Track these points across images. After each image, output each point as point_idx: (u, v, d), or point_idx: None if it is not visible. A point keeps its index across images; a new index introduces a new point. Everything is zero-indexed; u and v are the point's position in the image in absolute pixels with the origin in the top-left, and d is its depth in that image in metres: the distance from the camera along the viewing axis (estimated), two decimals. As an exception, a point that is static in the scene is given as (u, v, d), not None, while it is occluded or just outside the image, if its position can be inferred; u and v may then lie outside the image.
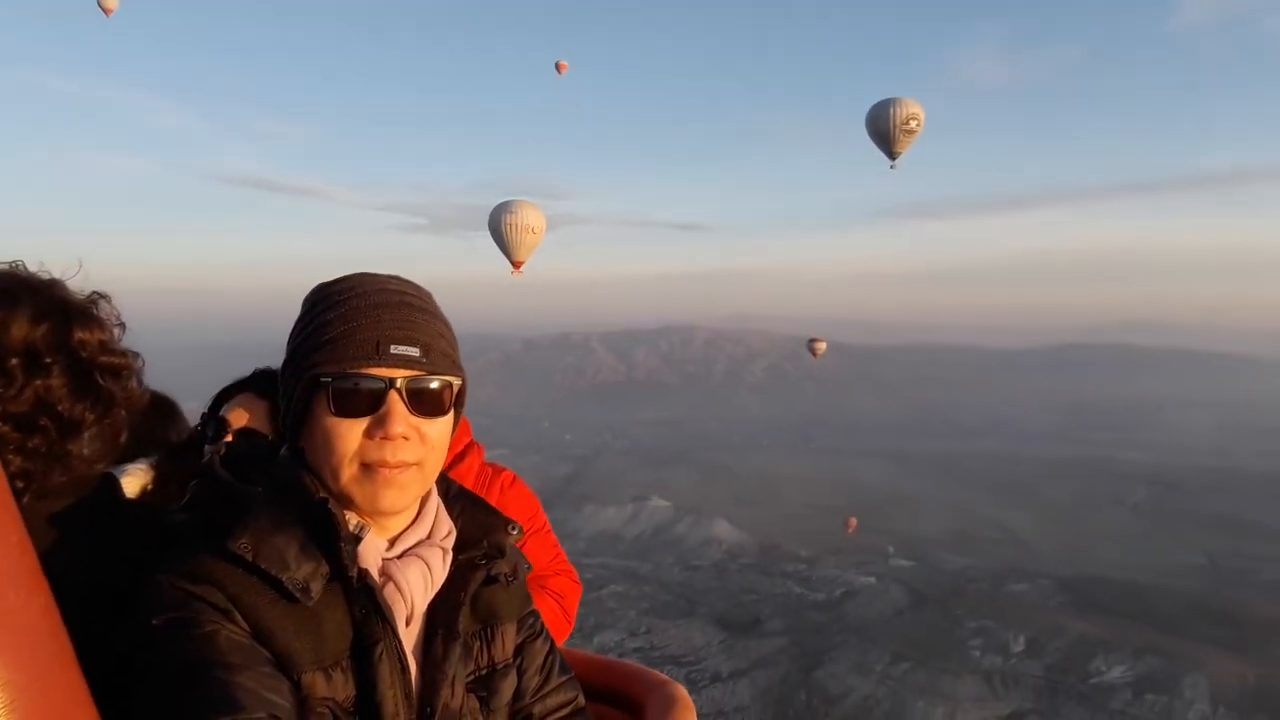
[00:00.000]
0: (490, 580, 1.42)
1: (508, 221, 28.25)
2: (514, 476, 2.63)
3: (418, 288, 1.36)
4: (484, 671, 1.42)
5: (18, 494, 1.29)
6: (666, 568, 71.32)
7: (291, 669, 1.18)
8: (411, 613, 1.30)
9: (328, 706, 1.20)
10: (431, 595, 1.34)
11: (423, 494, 1.36)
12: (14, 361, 1.30)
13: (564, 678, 1.57)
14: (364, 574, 1.26)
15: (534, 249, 29.07)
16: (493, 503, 2.52)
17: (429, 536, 1.36)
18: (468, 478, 2.52)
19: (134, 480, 2.52)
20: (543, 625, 1.58)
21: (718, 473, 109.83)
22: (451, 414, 1.33)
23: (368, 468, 1.24)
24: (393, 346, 1.23)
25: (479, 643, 1.42)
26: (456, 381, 1.32)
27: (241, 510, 1.24)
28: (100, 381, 1.39)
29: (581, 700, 1.58)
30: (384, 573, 1.29)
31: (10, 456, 1.29)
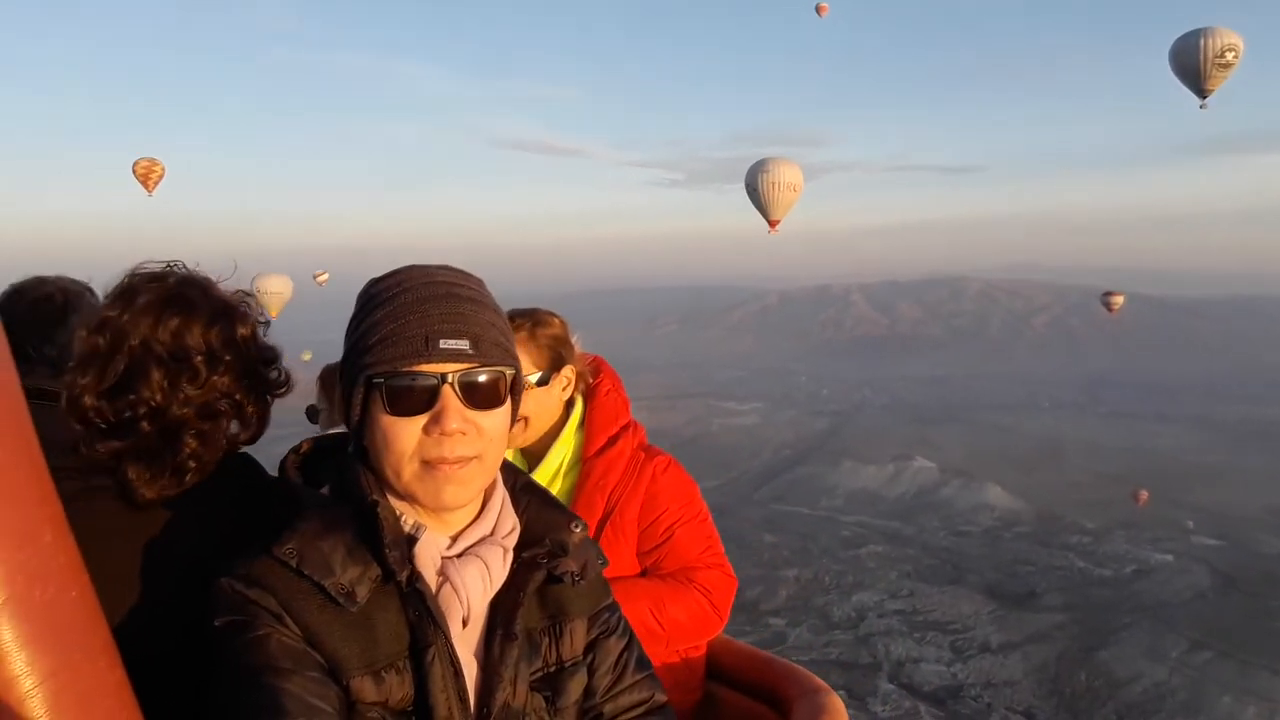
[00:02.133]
0: (555, 579, 1.39)
1: (764, 180, 27.96)
2: (669, 461, 2.49)
3: (467, 276, 1.33)
4: (552, 669, 1.39)
5: (185, 473, 1.47)
6: (931, 531, 68.40)
7: (340, 673, 1.20)
8: (469, 613, 1.28)
9: (378, 710, 1.21)
10: (491, 595, 1.32)
11: (485, 487, 1.34)
12: (198, 359, 1.50)
13: (639, 676, 1.50)
14: (415, 577, 1.25)
15: (791, 207, 28.59)
16: (642, 489, 2.40)
17: (492, 533, 1.35)
18: (619, 462, 2.41)
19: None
20: (621, 621, 1.53)
21: (990, 434, 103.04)
22: (509, 404, 1.31)
23: (427, 465, 1.23)
24: (442, 341, 1.22)
25: (547, 639, 1.39)
26: (510, 371, 1.30)
27: (296, 512, 1.28)
28: (260, 372, 1.59)
29: (660, 698, 1.52)
30: (443, 572, 1.29)
31: (189, 440, 1.47)
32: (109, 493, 1.44)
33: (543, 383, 2.35)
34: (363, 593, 1.21)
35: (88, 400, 1.44)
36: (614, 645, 1.49)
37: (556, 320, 2.43)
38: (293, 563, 1.20)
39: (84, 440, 1.45)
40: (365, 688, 1.20)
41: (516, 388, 1.34)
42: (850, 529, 68.71)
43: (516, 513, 1.41)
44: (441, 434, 1.21)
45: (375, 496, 1.27)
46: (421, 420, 1.22)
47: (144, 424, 1.46)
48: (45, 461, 1.02)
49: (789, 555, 62.15)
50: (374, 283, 1.31)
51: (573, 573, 1.41)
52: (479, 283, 1.36)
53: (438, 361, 1.21)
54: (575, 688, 1.41)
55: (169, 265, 1.58)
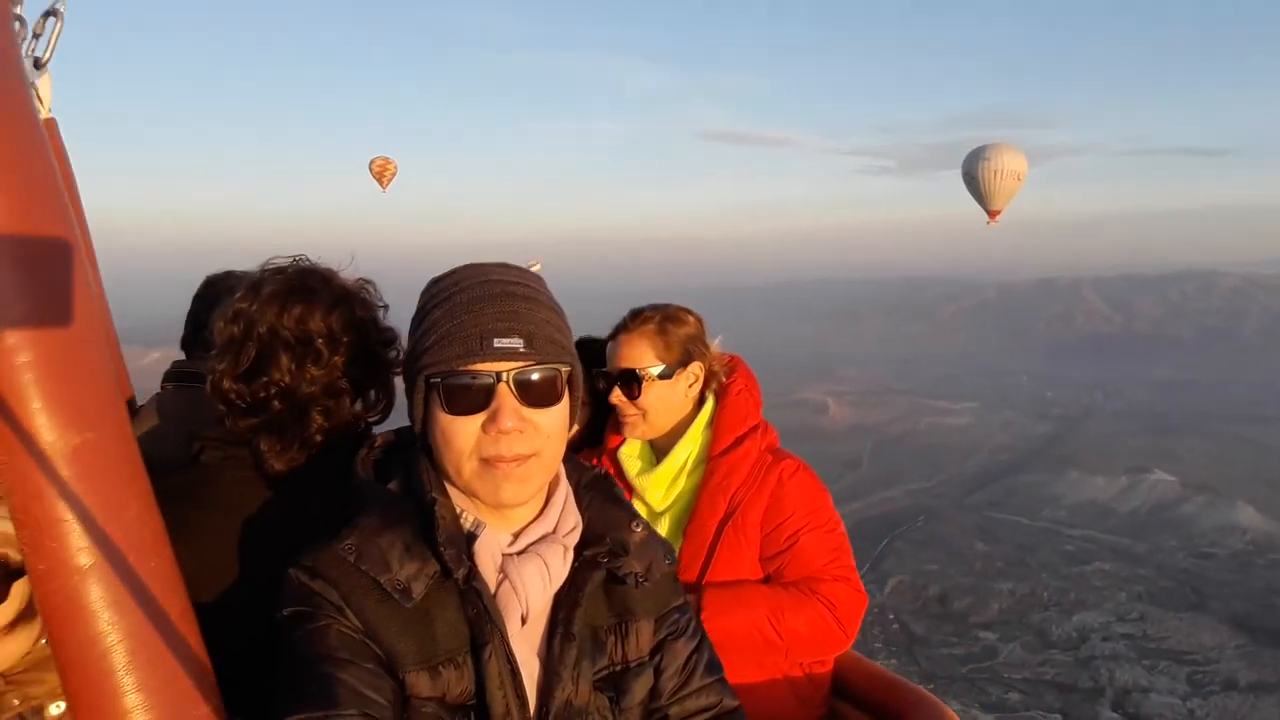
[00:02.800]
0: (618, 580, 1.38)
1: (984, 168, 26.35)
2: (798, 465, 2.36)
3: (524, 274, 1.33)
4: (617, 669, 1.37)
5: (311, 447, 1.60)
6: (1168, 551, 62.09)
7: (396, 667, 1.21)
8: (527, 611, 1.28)
9: (433, 705, 1.22)
10: (550, 593, 1.32)
11: (545, 484, 1.33)
12: (319, 342, 1.61)
13: (709, 680, 1.47)
14: (473, 574, 1.26)
15: (1013, 196, 26.77)
16: (767, 492, 2.29)
17: (553, 531, 1.34)
18: (743, 463, 2.31)
19: None
20: (691, 623, 1.50)
21: (1242, 448, 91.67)
22: (566, 401, 1.30)
23: (486, 463, 1.24)
24: (496, 340, 1.22)
25: (613, 638, 1.38)
26: (566, 368, 1.29)
27: (359, 507, 1.31)
28: (379, 352, 1.69)
29: (730, 704, 1.48)
30: (502, 569, 1.29)
31: (315, 416, 1.60)
32: (246, 463, 1.61)
33: (665, 376, 2.34)
34: (419, 589, 1.24)
35: (226, 383, 1.60)
36: (682, 647, 1.46)
37: (691, 317, 2.41)
38: (350, 558, 1.24)
39: (226, 417, 1.62)
40: (420, 682, 1.21)
41: (574, 384, 1.34)
42: (1074, 543, 63.55)
43: (580, 510, 1.41)
44: (498, 432, 1.22)
45: (435, 494, 1.30)
46: (479, 419, 1.23)
47: (275, 403, 1.60)
48: (135, 442, 1.13)
49: (1003, 567, 58.52)
50: (433, 283, 1.34)
51: (636, 574, 1.39)
52: (535, 279, 1.37)
53: (493, 360, 1.22)
54: (640, 689, 1.39)
55: (295, 259, 1.72)
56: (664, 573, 1.45)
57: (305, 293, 1.64)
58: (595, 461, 2.47)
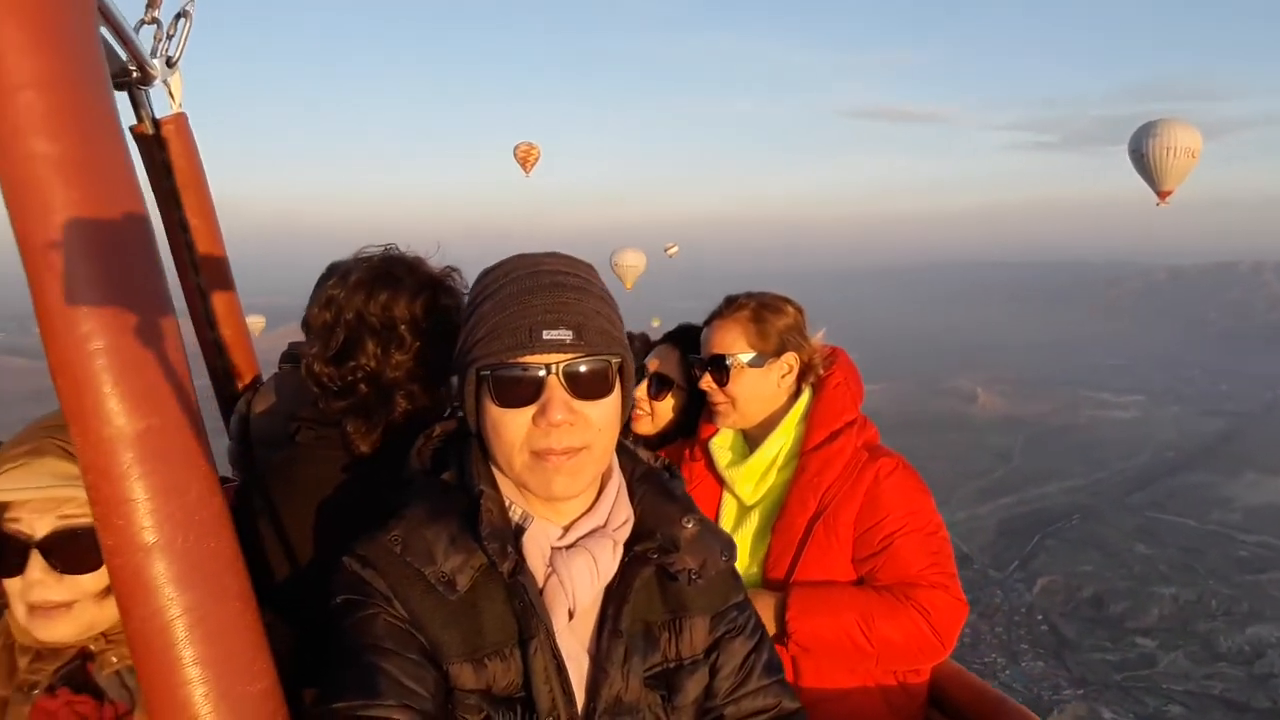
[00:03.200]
0: (670, 577, 1.36)
1: (1153, 145, 24.49)
2: (896, 464, 2.23)
3: (574, 263, 1.32)
4: (670, 665, 1.35)
5: (395, 429, 1.65)
6: (1360, 562, 56.01)
7: (441, 658, 1.22)
8: (574, 606, 1.27)
9: (477, 697, 1.22)
10: (599, 587, 1.30)
11: (596, 477, 1.32)
12: (403, 328, 1.67)
13: (767, 681, 1.43)
14: (518, 568, 1.25)
15: (1186, 175, 24.74)
16: (861, 491, 2.17)
17: (604, 525, 1.33)
18: (837, 460, 2.21)
19: None
20: (750, 621, 1.46)
21: None
22: (618, 392, 1.29)
23: (537, 455, 1.23)
24: (545, 332, 1.21)
25: (667, 634, 1.36)
26: (616, 359, 1.27)
27: (410, 498, 1.33)
28: None
29: (789, 705, 1.44)
30: (551, 563, 1.28)
31: (400, 400, 1.66)
32: (335, 444, 1.69)
33: (756, 365, 2.28)
34: (463, 581, 1.25)
35: (318, 367, 1.68)
36: (740, 646, 1.42)
37: (789, 307, 2.34)
38: (396, 549, 1.26)
39: (320, 399, 1.70)
40: (465, 674, 1.22)
41: (625, 376, 1.32)
42: (1249, 549, 58.41)
43: (632, 504, 1.38)
44: (549, 425, 1.21)
45: (483, 486, 1.30)
46: (529, 411, 1.23)
47: (361, 386, 1.67)
48: (202, 426, 1.18)
49: (1166, 571, 54.49)
50: (483, 274, 1.34)
51: (690, 570, 1.36)
52: (586, 269, 1.34)
53: (542, 352, 1.21)
54: (694, 687, 1.36)
55: (385, 247, 1.77)
56: (720, 569, 1.41)
57: (390, 280, 1.70)
58: (687, 451, 2.44)
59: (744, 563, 2.27)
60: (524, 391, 1.22)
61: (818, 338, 2.40)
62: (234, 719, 1.10)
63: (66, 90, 1.07)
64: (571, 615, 1.28)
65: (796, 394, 2.35)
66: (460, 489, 1.33)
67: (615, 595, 1.32)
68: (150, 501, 1.07)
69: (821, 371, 2.35)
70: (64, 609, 1.34)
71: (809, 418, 2.30)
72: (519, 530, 1.30)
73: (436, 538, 1.26)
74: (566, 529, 1.32)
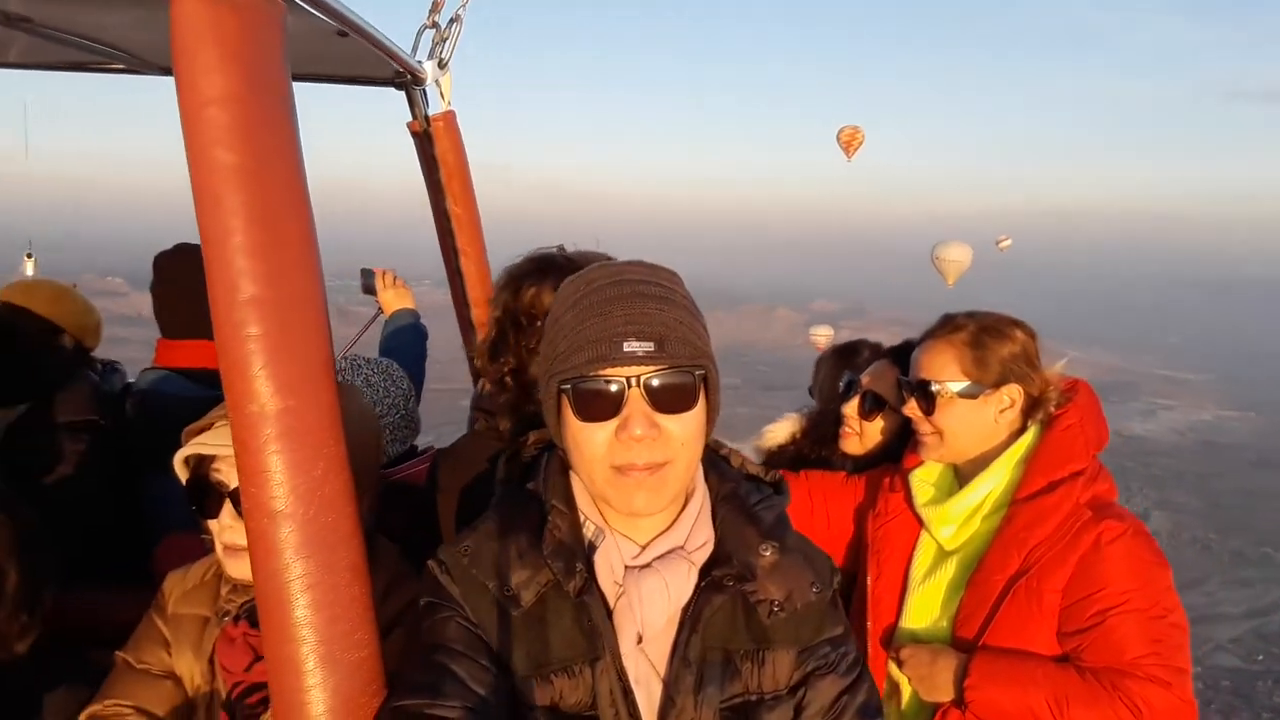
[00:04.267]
0: (749, 607, 1.29)
1: None
2: (1125, 529, 1.87)
3: (656, 271, 1.28)
4: (751, 698, 1.27)
5: (539, 426, 1.62)
6: None
7: (505, 672, 1.21)
8: (643, 629, 1.23)
9: (543, 713, 1.21)
10: (672, 611, 1.26)
11: (679, 493, 1.27)
12: (539, 324, 1.63)
13: None
14: (586, 588, 1.24)
15: None
16: (1075, 555, 1.88)
17: (682, 545, 1.28)
18: (1050, 515, 1.90)
19: (784, 427, 2.64)
20: (846, 659, 1.34)
21: None
22: (702, 405, 1.24)
23: (618, 470, 1.20)
24: (625, 343, 1.17)
25: (749, 664, 1.28)
26: (700, 371, 1.22)
27: (491, 508, 1.34)
28: None
29: None
30: (624, 582, 1.25)
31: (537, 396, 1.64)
32: (496, 433, 1.76)
33: (969, 395, 2.04)
34: (528, 597, 1.24)
35: (479, 362, 1.77)
36: (830, 685, 1.30)
37: (1018, 332, 2.06)
38: (465, 560, 1.28)
39: (492, 392, 1.80)
40: (530, 689, 1.21)
41: (710, 388, 1.25)
42: None
43: (713, 525, 1.31)
44: (630, 439, 1.18)
45: (554, 501, 1.29)
46: (610, 425, 1.19)
47: (508, 380, 1.73)
48: (335, 410, 1.29)
49: None
50: (566, 283, 1.31)
51: (773, 601, 1.28)
52: (669, 277, 1.28)
53: (623, 365, 1.18)
54: None
55: (558, 248, 1.80)
56: (809, 602, 1.31)
57: (537, 275, 1.73)
58: (888, 480, 2.26)
59: (933, 615, 2.07)
60: (605, 405, 1.19)
61: (1056, 369, 2.10)
62: (331, 680, 1.21)
63: (246, 107, 1.21)
64: (640, 638, 1.24)
65: (1021, 431, 2.08)
66: (539, 502, 1.32)
67: (688, 621, 1.26)
68: (280, 474, 1.21)
69: (1053, 409, 2.06)
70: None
71: (1029, 461, 2.02)
72: (591, 547, 1.28)
73: (505, 551, 1.27)
74: (644, 547, 1.28)
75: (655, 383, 1.18)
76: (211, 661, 1.58)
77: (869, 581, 2.19)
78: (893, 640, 2.10)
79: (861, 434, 2.45)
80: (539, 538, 1.28)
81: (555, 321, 1.28)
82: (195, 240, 1.24)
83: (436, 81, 2.83)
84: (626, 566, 1.27)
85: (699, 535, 1.30)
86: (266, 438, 1.21)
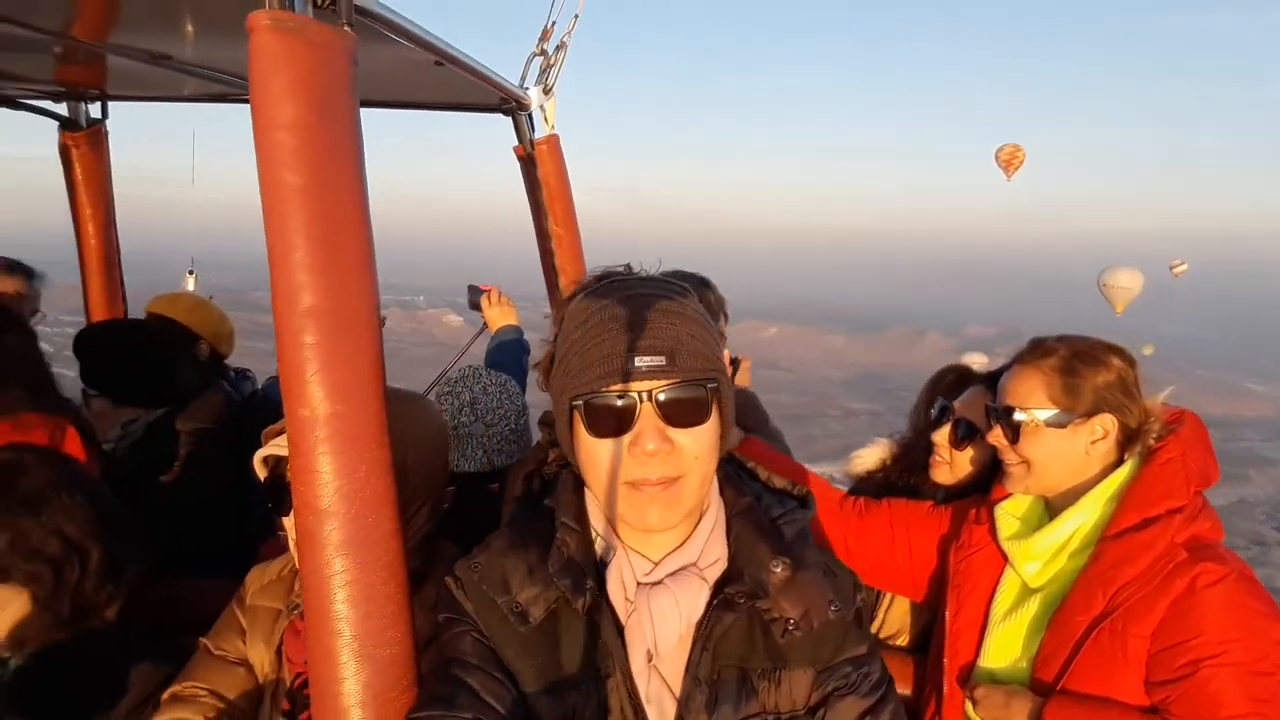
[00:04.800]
0: (764, 625, 1.26)
1: None
2: (1227, 573, 1.70)
3: (667, 285, 1.26)
4: (769, 718, 1.25)
5: None
6: None
7: (518, 687, 1.22)
8: (654, 647, 1.22)
9: None
10: (684, 629, 1.24)
11: (693, 508, 1.26)
12: None
13: None
14: (595, 605, 1.23)
15: None
16: (1166, 600, 1.74)
17: (695, 562, 1.27)
18: (1141, 555, 1.76)
19: (874, 452, 2.54)
20: (869, 679, 1.29)
21: None
22: (715, 419, 1.23)
23: (631, 486, 1.20)
24: (636, 358, 1.17)
25: (766, 683, 1.25)
26: (713, 384, 1.21)
27: (498, 525, 1.35)
28: None
29: None
30: (635, 599, 1.24)
31: None
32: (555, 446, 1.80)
33: (1057, 424, 1.92)
34: (537, 613, 1.24)
35: (539, 379, 1.81)
36: (851, 706, 1.26)
37: (1115, 360, 1.93)
38: (474, 576, 1.30)
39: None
40: (542, 705, 1.22)
41: (724, 401, 1.23)
42: None
43: (726, 540, 1.29)
44: (642, 454, 1.17)
45: (564, 518, 1.29)
46: (622, 441, 1.19)
47: None
48: (381, 416, 1.34)
49: None
50: (577, 300, 1.31)
51: (789, 619, 1.24)
52: (682, 290, 1.27)
53: (634, 380, 1.17)
54: None
55: (625, 266, 1.83)
56: (826, 621, 1.27)
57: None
58: (974, 512, 2.15)
59: (1012, 655, 1.95)
60: (616, 420, 1.20)
61: (1159, 399, 1.95)
62: (364, 674, 1.27)
63: (311, 133, 1.30)
64: (651, 656, 1.23)
65: (1117, 464, 1.94)
66: (553, 518, 1.33)
67: (699, 639, 1.24)
68: (326, 474, 1.28)
69: (1153, 441, 1.91)
70: None
71: (1124, 496, 1.88)
72: (602, 564, 1.28)
73: (515, 568, 1.28)
74: (656, 564, 1.27)
75: (666, 396, 1.18)
76: (279, 652, 1.69)
77: (948, 616, 2.09)
78: (970, 679, 2.00)
79: (952, 463, 2.35)
80: (549, 554, 1.29)
81: (566, 339, 1.28)
82: None
83: (541, 107, 2.94)
84: (639, 583, 1.26)
85: (712, 551, 1.28)
86: (316, 440, 1.28)
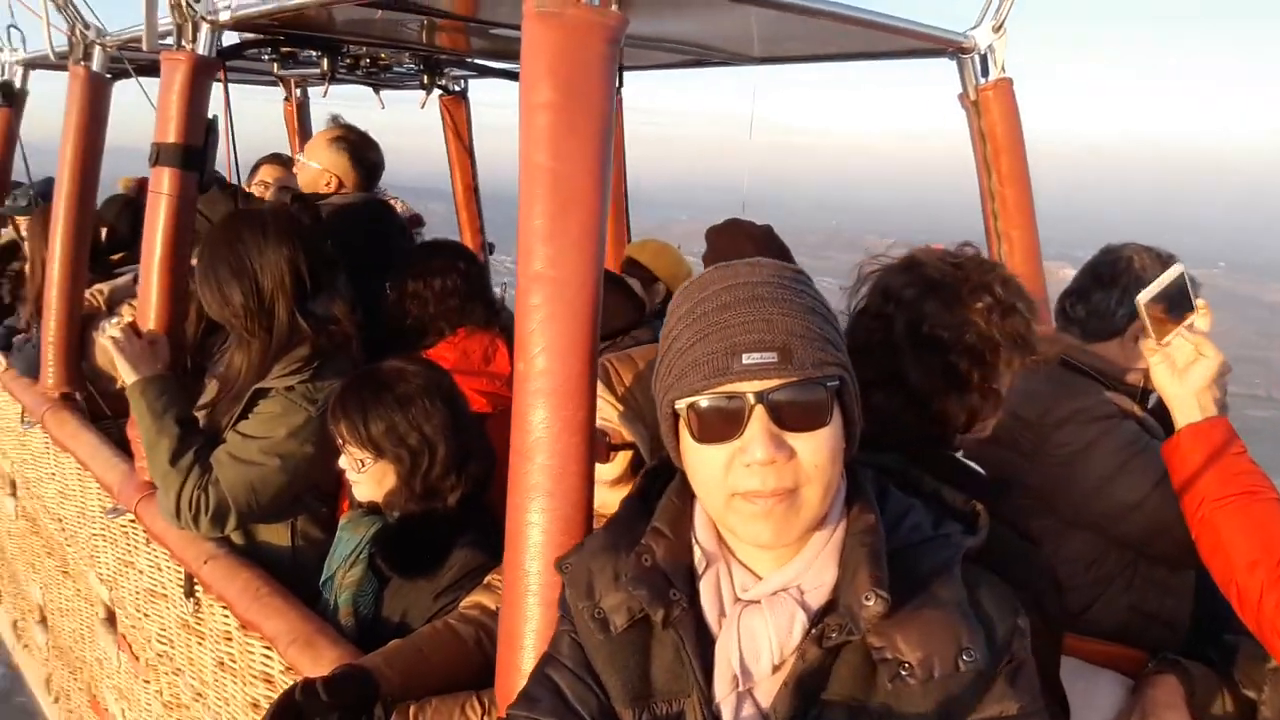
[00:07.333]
0: (872, 664, 1.06)
1: None
2: None
3: (779, 270, 1.12)
4: None
5: None
6: None
7: (605, 695, 1.16)
8: (740, 671, 1.08)
9: None
10: (777, 659, 1.08)
11: (811, 522, 1.09)
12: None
13: None
14: (681, 619, 1.11)
15: None
16: None
17: (797, 583, 1.11)
18: None
19: None
20: None
21: None
22: (838, 422, 1.08)
23: (740, 498, 1.06)
24: (744, 356, 1.03)
25: None
26: (834, 383, 1.06)
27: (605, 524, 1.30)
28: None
29: None
30: (727, 619, 1.12)
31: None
32: None
33: None
34: (619, 621, 1.15)
35: None
36: None
37: None
38: (565, 575, 1.23)
39: None
40: (624, 718, 1.14)
41: (847, 401, 1.06)
42: None
43: (837, 563, 1.09)
44: (753, 462, 1.03)
45: (658, 523, 1.17)
46: (730, 447, 1.05)
47: None
48: (590, 370, 1.43)
49: None
50: (679, 292, 1.15)
51: (903, 663, 1.01)
52: (794, 275, 1.08)
53: (742, 379, 1.03)
54: None
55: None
56: (950, 673, 1.03)
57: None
58: None
59: None
60: (723, 425, 1.06)
61: None
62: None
63: (559, 114, 1.43)
64: (738, 682, 1.09)
65: None
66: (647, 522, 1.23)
67: (785, 669, 1.08)
68: (534, 419, 1.44)
69: None
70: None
71: None
72: (697, 576, 1.15)
73: (602, 571, 1.20)
74: (760, 580, 1.12)
75: (780, 398, 1.03)
76: None
77: None
78: None
79: None
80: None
81: (668, 335, 1.17)
82: None
83: (991, 47, 2.60)
84: (736, 598, 1.14)
85: (819, 574, 1.11)
86: (535, 391, 1.44)
